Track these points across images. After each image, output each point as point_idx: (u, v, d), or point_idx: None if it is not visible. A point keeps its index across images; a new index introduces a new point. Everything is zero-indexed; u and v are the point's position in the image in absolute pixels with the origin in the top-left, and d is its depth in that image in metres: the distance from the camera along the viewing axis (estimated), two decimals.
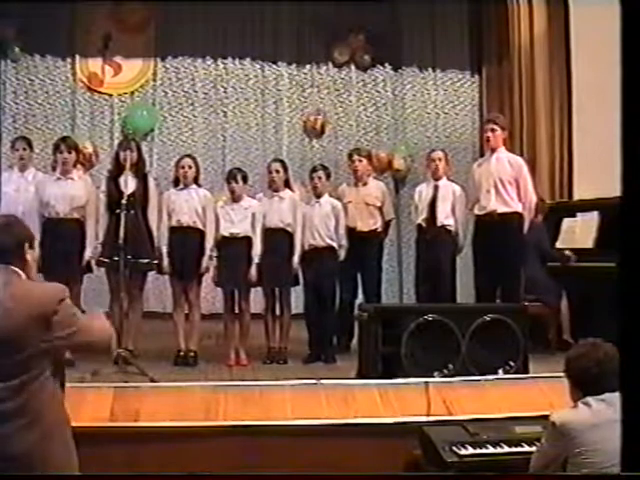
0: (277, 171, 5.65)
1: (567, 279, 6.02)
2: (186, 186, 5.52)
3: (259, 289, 5.63)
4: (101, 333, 2.56)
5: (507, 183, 5.60)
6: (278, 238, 5.53)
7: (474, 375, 4.50)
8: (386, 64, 8.63)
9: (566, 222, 6.42)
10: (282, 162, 5.85)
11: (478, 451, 3.65)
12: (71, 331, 2.44)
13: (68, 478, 2.45)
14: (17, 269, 2.49)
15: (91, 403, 3.81)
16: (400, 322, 4.64)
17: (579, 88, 7.26)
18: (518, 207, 5.61)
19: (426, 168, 6.29)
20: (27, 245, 2.56)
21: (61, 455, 2.42)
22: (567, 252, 6.11)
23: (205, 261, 5.42)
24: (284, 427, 3.91)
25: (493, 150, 5.72)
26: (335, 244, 5.67)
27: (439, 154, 6.00)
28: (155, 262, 5.38)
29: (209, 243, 5.44)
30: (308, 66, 8.56)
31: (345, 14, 8.19)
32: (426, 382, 4.24)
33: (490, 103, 8.44)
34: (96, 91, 8.20)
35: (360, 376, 4.71)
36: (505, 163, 5.67)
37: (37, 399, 2.37)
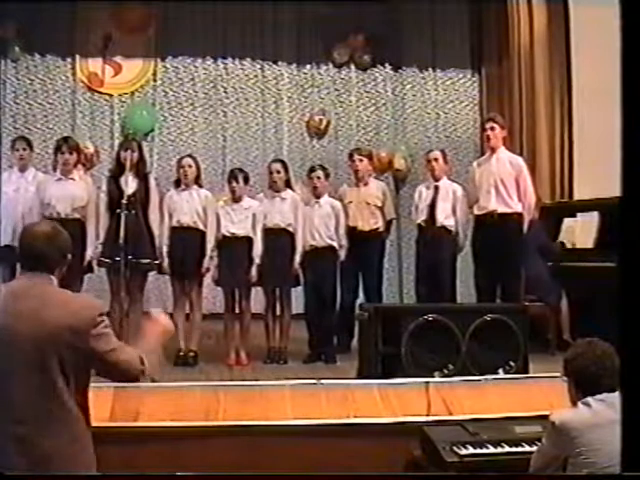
0: (278, 171, 5.65)
1: (567, 279, 6.02)
2: (187, 186, 5.52)
3: (259, 289, 5.64)
4: (136, 360, 2.51)
5: (507, 183, 5.62)
6: (279, 238, 5.53)
7: (474, 375, 4.50)
8: (386, 64, 8.63)
9: (566, 222, 6.42)
10: (283, 162, 5.85)
11: (478, 451, 3.65)
12: (113, 347, 2.44)
13: (68, 478, 2.46)
14: (53, 277, 2.50)
15: (91, 403, 3.81)
16: (400, 322, 4.64)
17: (579, 88, 7.26)
18: (518, 207, 5.62)
19: (425, 168, 6.30)
20: (69, 256, 2.57)
21: (84, 459, 2.45)
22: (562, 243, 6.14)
23: (206, 261, 5.42)
24: (284, 427, 3.91)
25: (493, 150, 5.73)
26: (335, 244, 5.67)
27: (436, 154, 6.00)
28: (156, 262, 5.38)
29: (210, 243, 5.44)
30: (308, 66, 8.56)
31: (345, 14, 8.18)
32: (426, 382, 4.25)
33: (490, 103, 8.44)
34: (96, 91, 8.20)
35: (360, 376, 4.71)
36: (505, 163, 5.68)
37: (67, 403, 2.39)
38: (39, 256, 2.48)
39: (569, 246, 6.14)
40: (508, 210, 5.60)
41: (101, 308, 2.50)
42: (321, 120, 8.41)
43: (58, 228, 2.62)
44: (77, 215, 5.36)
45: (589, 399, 2.77)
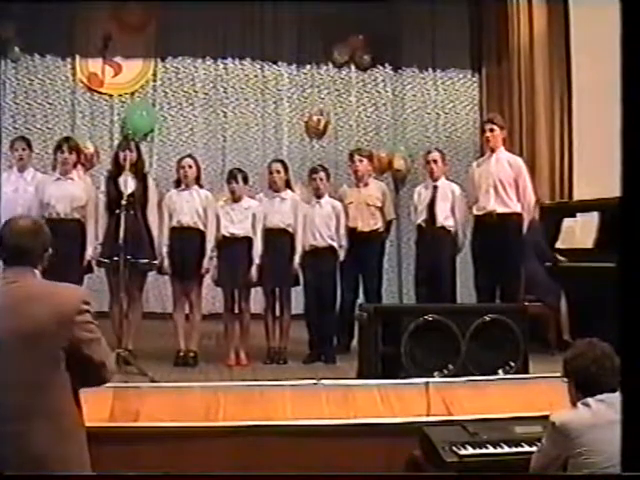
0: (278, 171, 5.65)
1: (567, 279, 6.01)
2: (187, 186, 5.52)
3: (259, 289, 5.64)
4: (112, 364, 2.52)
5: (506, 183, 5.62)
6: (279, 238, 5.53)
7: (474, 375, 4.50)
8: (386, 64, 8.63)
9: (566, 222, 6.42)
10: (283, 162, 5.86)
11: (478, 451, 3.65)
12: (94, 337, 2.42)
13: (67, 478, 2.45)
14: (36, 270, 2.51)
15: (91, 403, 3.79)
16: (400, 322, 4.63)
17: (579, 88, 7.26)
18: (517, 207, 5.62)
19: (424, 169, 6.30)
20: (50, 250, 2.61)
21: (77, 458, 2.43)
22: (559, 256, 6.15)
23: (206, 261, 5.42)
24: (284, 427, 3.91)
25: (493, 150, 5.73)
26: (335, 244, 5.67)
27: (435, 155, 5.99)
28: (155, 262, 5.38)
29: (210, 243, 5.44)
30: (308, 66, 8.56)
31: (345, 14, 8.18)
32: (426, 382, 4.24)
33: (490, 103, 8.44)
34: (96, 91, 8.21)
35: (360, 376, 4.71)
36: (504, 163, 5.68)
37: (58, 400, 2.37)
38: (22, 250, 2.49)
39: (560, 257, 6.15)
40: (507, 210, 5.60)
41: (86, 296, 2.49)
42: (319, 120, 8.41)
43: (39, 223, 2.67)
44: (76, 215, 5.36)
45: (589, 399, 2.77)
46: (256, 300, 5.69)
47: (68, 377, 2.40)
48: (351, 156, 6.24)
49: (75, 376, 2.42)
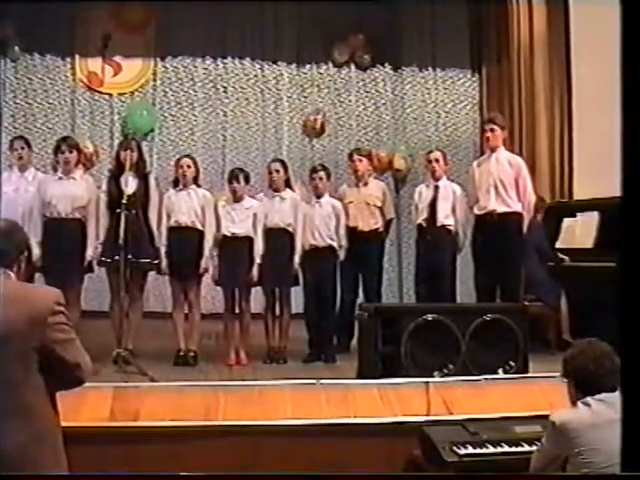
0: (277, 171, 5.65)
1: (567, 279, 6.02)
2: (185, 186, 5.52)
3: (259, 289, 5.64)
4: (88, 364, 2.45)
5: (507, 183, 5.62)
6: (279, 238, 5.53)
7: (474, 375, 4.50)
8: (386, 64, 8.63)
9: (566, 222, 6.42)
10: (282, 162, 5.85)
11: (478, 451, 3.66)
12: (67, 337, 2.38)
13: (68, 478, 2.44)
14: (10, 272, 2.48)
15: (91, 403, 3.80)
16: (400, 322, 4.64)
17: (579, 88, 7.27)
18: (517, 207, 5.62)
19: (425, 168, 6.30)
20: (26, 252, 2.58)
21: (51, 459, 2.38)
22: (561, 255, 6.16)
23: (204, 261, 5.42)
24: (284, 427, 3.91)
25: (493, 150, 5.73)
26: (335, 244, 5.67)
27: (437, 154, 6.00)
28: (155, 262, 5.38)
29: (208, 243, 5.44)
30: (308, 66, 8.56)
31: (345, 14, 8.18)
32: (426, 382, 4.25)
33: (490, 102, 8.44)
34: (96, 91, 8.21)
35: (360, 376, 4.71)
36: (504, 163, 5.68)
37: (30, 400, 2.34)
38: None
39: (562, 256, 6.16)
40: (507, 210, 5.60)
41: (59, 297, 2.44)
42: (316, 120, 8.40)
43: (15, 225, 2.63)
44: (78, 215, 5.36)
45: (589, 399, 2.77)
46: (256, 300, 5.69)
47: (42, 379, 2.36)
48: (350, 155, 6.26)
49: (51, 378, 2.38)
